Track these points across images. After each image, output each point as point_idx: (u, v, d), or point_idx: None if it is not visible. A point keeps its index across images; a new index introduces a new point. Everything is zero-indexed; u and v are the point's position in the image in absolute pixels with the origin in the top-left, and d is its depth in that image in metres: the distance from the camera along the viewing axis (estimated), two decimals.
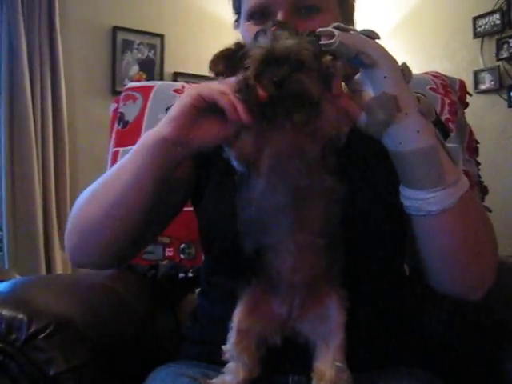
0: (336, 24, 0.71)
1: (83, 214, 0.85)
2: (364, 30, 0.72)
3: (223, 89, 0.72)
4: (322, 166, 0.74)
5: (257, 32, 0.75)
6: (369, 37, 0.72)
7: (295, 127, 0.72)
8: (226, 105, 0.70)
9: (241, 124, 0.71)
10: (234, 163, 0.76)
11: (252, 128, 0.73)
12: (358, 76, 0.76)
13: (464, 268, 0.81)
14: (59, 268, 2.99)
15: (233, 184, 0.78)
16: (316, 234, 0.74)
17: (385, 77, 0.71)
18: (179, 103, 0.74)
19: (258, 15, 0.90)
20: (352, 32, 0.71)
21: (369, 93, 0.73)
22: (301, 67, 0.71)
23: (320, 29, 0.71)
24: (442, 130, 0.99)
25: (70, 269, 3.05)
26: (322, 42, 0.71)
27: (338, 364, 0.74)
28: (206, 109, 0.73)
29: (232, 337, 0.78)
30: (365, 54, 0.70)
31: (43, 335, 0.86)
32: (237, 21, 0.99)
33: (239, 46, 0.76)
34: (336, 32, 0.70)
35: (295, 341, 0.78)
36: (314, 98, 0.71)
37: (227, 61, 0.75)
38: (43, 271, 2.89)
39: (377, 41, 0.75)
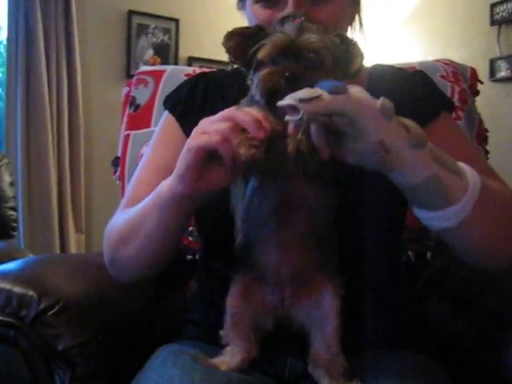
0: (301, 94, 0.65)
1: (115, 252, 0.89)
2: (332, 89, 0.65)
3: (223, 132, 0.68)
4: (312, 180, 0.74)
5: (283, 17, 0.74)
6: (338, 92, 0.66)
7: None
8: (225, 154, 0.68)
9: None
10: None
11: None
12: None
13: (493, 250, 0.82)
14: (73, 248, 3.05)
15: None
16: (301, 234, 0.76)
17: (365, 127, 0.66)
18: (184, 158, 0.72)
19: None
20: (321, 95, 0.65)
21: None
22: (318, 68, 0.70)
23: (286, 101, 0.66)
24: (446, 104, 0.99)
25: (83, 249, 3.10)
26: (286, 118, 0.66)
27: (333, 349, 0.76)
28: (209, 157, 0.71)
29: (227, 322, 0.80)
30: (337, 116, 0.65)
31: (52, 312, 0.90)
32: (241, 0, 0.96)
33: (259, 28, 0.74)
34: (301, 106, 0.64)
35: (290, 326, 0.79)
36: None
37: (241, 38, 0.74)
38: (57, 251, 2.95)
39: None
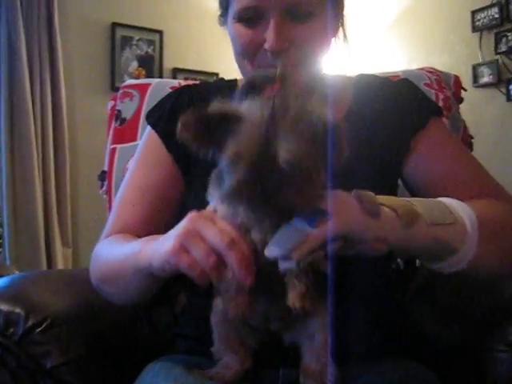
0: (287, 241, 0.62)
1: (99, 284, 0.91)
2: (315, 222, 0.62)
3: (206, 265, 0.65)
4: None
5: (261, 51, 0.77)
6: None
7: None
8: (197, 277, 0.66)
9: None
10: None
11: None
12: None
13: (503, 267, 0.84)
14: (60, 263, 3.01)
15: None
16: None
17: (360, 235, 0.66)
18: (166, 251, 0.68)
19: (249, 17, 0.88)
20: (308, 234, 0.61)
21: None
22: (297, 178, 0.59)
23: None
24: (434, 110, 1.00)
25: (70, 263, 3.07)
26: (281, 268, 0.64)
27: (323, 359, 0.76)
28: None
29: (215, 337, 0.80)
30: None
31: (40, 329, 0.88)
32: (222, 16, 0.97)
33: (223, 114, 0.61)
34: (294, 255, 0.62)
35: (282, 341, 0.79)
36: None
37: (203, 127, 0.61)
38: (44, 267, 2.91)
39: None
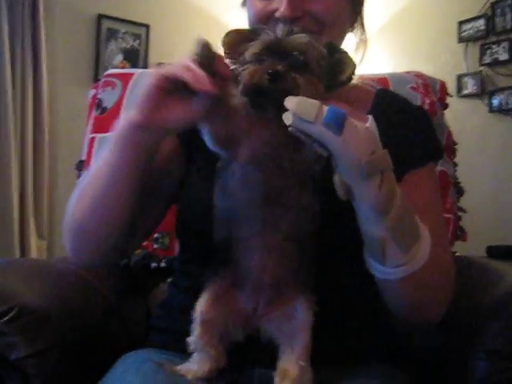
0: (304, 105, 0.66)
1: (72, 217, 0.84)
2: (328, 122, 0.66)
3: (186, 63, 0.70)
4: (298, 181, 0.73)
5: (273, 19, 0.78)
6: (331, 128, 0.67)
7: (282, 125, 0.69)
8: (189, 77, 0.68)
9: (208, 100, 0.70)
10: (209, 145, 0.75)
11: (222, 108, 0.72)
12: None
13: (425, 309, 0.84)
14: (34, 255, 2.95)
15: (214, 170, 0.78)
16: (285, 238, 0.73)
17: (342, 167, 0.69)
18: (143, 86, 0.72)
19: None
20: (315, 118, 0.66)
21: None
22: (303, 68, 0.70)
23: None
24: (436, 154, 1.00)
25: (45, 256, 3.01)
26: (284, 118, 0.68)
27: (301, 363, 0.73)
28: (171, 89, 0.71)
29: (196, 329, 0.77)
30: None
31: (5, 319, 0.85)
32: (243, 2, 0.98)
33: (254, 31, 0.75)
34: (291, 119, 0.67)
35: (259, 337, 0.77)
36: None
37: (236, 36, 0.76)
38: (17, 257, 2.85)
39: None
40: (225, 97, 0.72)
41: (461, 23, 2.99)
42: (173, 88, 0.71)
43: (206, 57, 0.70)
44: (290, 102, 0.66)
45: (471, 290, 0.95)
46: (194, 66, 0.69)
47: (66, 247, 0.88)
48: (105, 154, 0.80)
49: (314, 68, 0.71)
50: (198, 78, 0.68)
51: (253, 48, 0.72)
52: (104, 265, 1.07)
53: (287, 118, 0.66)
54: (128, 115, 0.75)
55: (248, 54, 0.72)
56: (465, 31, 2.99)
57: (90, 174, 0.84)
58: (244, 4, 0.97)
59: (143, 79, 0.73)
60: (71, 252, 0.88)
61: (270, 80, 0.68)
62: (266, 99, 0.70)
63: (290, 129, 0.67)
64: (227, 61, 0.76)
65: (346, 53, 0.75)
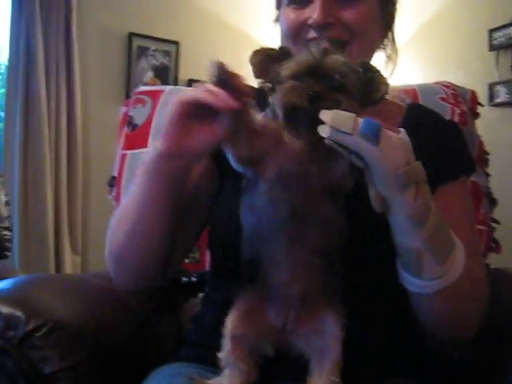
0: (341, 117, 0.67)
1: (110, 248, 0.87)
2: (366, 133, 0.67)
3: (206, 86, 0.71)
4: (326, 197, 0.73)
5: (308, 41, 0.78)
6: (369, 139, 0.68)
7: (313, 145, 0.70)
8: (209, 97, 0.69)
9: (230, 119, 0.70)
10: (233, 165, 0.76)
11: (245, 127, 0.72)
12: None
13: (459, 324, 0.84)
14: (68, 270, 3.00)
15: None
16: (312, 253, 0.73)
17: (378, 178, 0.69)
18: (168, 114, 0.73)
19: (299, 0, 0.91)
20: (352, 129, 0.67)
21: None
22: (340, 89, 0.70)
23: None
24: (469, 168, 1.00)
25: (79, 271, 3.06)
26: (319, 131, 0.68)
27: (332, 378, 0.73)
28: (195, 113, 0.71)
29: (226, 344, 0.77)
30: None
31: (40, 333, 0.87)
32: (277, 8, 0.99)
33: (284, 51, 0.76)
34: (328, 131, 0.67)
35: (289, 352, 0.76)
36: None
37: (265, 57, 0.76)
38: (52, 273, 2.90)
39: None
40: (246, 114, 0.72)
41: (491, 31, 2.95)
42: (197, 112, 0.71)
43: (222, 76, 0.70)
44: (326, 115, 0.67)
45: (506, 302, 0.93)
46: (213, 87, 0.70)
47: (105, 266, 0.90)
48: (136, 182, 0.82)
49: (352, 90, 0.71)
50: (218, 96, 0.69)
51: (289, 68, 0.72)
52: (146, 288, 1.08)
53: (323, 131, 0.67)
54: (155, 146, 0.76)
55: (284, 74, 0.72)
56: (496, 39, 2.94)
57: (122, 206, 0.86)
58: (277, 20, 0.99)
59: (168, 107, 0.73)
60: (115, 278, 0.90)
61: (309, 100, 0.68)
62: (302, 118, 0.70)
63: (326, 141, 0.67)
64: (257, 80, 0.77)
65: (379, 71, 0.75)
